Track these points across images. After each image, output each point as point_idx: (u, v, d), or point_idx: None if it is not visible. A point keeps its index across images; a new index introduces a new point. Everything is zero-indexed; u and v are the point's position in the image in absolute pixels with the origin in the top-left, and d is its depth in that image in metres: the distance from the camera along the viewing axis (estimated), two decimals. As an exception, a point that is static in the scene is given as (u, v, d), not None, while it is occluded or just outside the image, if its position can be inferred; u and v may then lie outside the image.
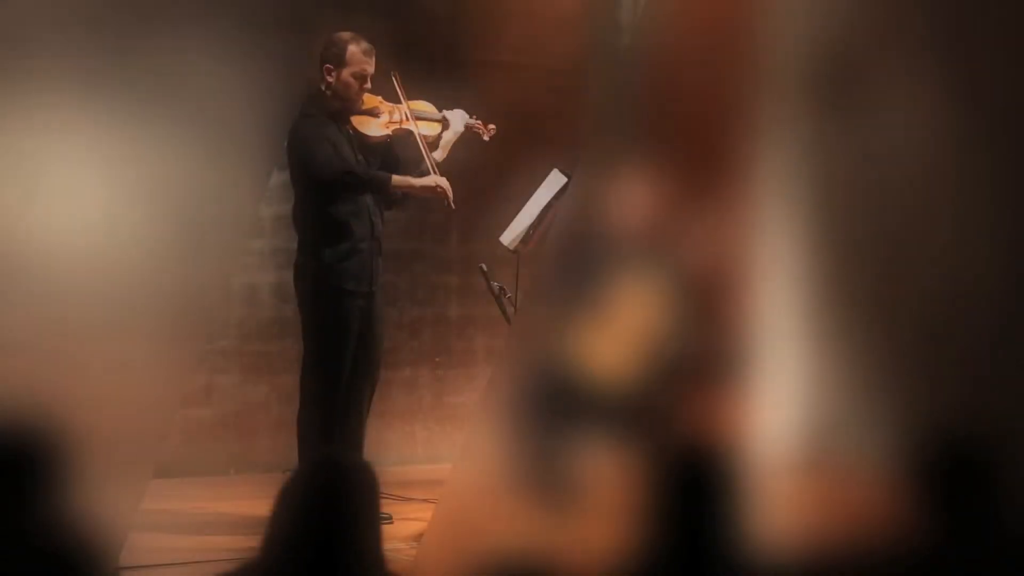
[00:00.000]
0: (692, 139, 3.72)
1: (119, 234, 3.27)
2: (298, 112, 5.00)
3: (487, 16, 6.77)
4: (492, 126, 5.29)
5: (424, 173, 5.13)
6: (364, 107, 5.08)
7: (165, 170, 3.30)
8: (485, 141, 5.35)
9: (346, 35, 5.03)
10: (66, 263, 3.20)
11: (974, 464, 3.51)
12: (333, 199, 4.98)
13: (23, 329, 3.14)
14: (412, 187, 5.06)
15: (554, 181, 5.13)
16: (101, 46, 3.23)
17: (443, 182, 5.06)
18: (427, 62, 6.43)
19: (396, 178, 5.04)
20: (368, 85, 5.03)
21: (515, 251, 5.20)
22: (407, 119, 5.12)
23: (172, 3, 3.31)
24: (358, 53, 4.98)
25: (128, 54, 3.24)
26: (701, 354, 3.60)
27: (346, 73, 4.99)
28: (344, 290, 5.00)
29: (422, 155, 5.12)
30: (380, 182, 5.03)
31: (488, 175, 6.64)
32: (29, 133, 3.17)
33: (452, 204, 5.09)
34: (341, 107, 5.03)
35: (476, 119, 5.30)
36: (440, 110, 5.22)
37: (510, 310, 5.07)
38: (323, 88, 5.02)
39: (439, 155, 5.18)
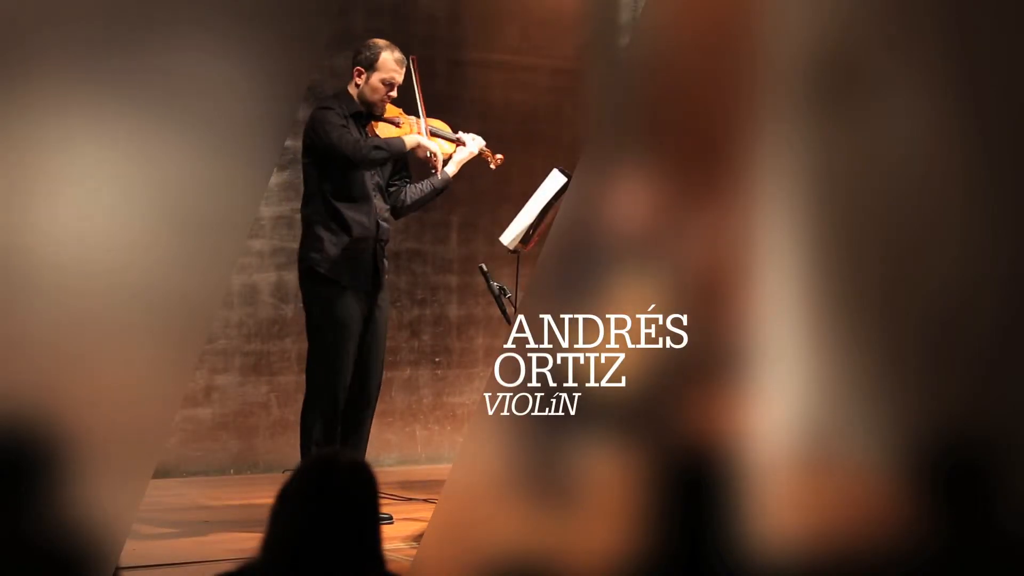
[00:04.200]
0: (692, 139, 3.72)
1: (119, 234, 3.27)
2: (319, 104, 5.08)
3: (487, 16, 6.77)
4: (500, 156, 5.32)
5: (440, 182, 5.24)
6: (386, 115, 5.14)
7: (164, 170, 3.29)
8: (491, 168, 5.38)
9: (382, 42, 5.10)
10: (65, 263, 3.20)
11: (975, 465, 3.51)
12: (348, 192, 5.03)
13: (23, 329, 3.14)
14: (418, 147, 5.12)
15: (554, 181, 5.13)
16: (100, 47, 3.22)
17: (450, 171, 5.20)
18: (427, 62, 6.43)
19: (407, 138, 5.10)
20: (394, 94, 5.10)
21: (515, 251, 5.20)
22: (424, 134, 5.17)
23: (171, 2, 3.31)
24: (391, 61, 5.05)
25: (127, 54, 3.24)
26: (702, 354, 3.60)
27: (375, 78, 5.05)
28: (344, 286, 5.02)
29: (435, 165, 5.19)
30: (402, 145, 5.09)
31: (488, 175, 6.65)
32: (29, 133, 3.16)
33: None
34: (365, 111, 5.08)
35: (487, 147, 5.33)
36: (456, 132, 5.26)
37: (510, 310, 5.07)
38: (349, 89, 5.07)
39: (451, 169, 5.23)
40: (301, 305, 6.05)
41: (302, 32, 3.52)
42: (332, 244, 5.01)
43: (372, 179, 5.10)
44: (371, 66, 5.04)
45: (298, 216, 5.22)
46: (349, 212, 5.03)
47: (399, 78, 5.07)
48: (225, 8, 3.37)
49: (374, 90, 5.06)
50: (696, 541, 3.44)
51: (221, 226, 3.38)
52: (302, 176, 5.15)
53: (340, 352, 5.02)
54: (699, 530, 3.44)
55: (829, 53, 3.63)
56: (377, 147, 5.03)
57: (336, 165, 5.01)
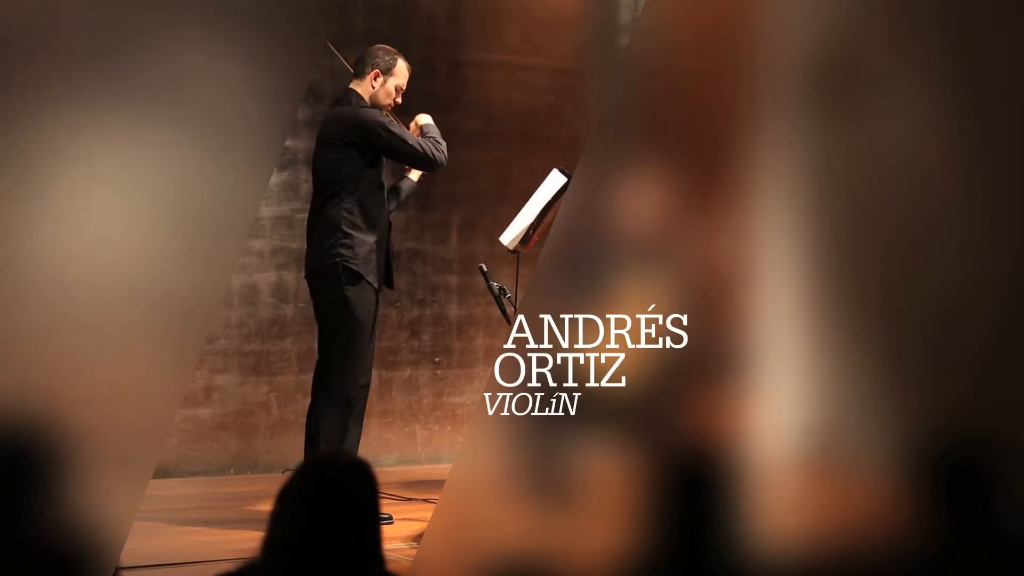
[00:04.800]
0: (693, 139, 3.72)
1: (119, 234, 3.27)
2: (356, 104, 5.13)
3: (487, 16, 6.77)
4: None
5: (408, 187, 5.45)
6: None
7: (165, 170, 3.29)
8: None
9: (392, 48, 5.25)
10: (65, 263, 3.20)
11: (975, 465, 3.51)
12: (376, 191, 5.12)
13: (23, 329, 3.14)
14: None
15: (554, 181, 5.14)
16: (100, 47, 3.22)
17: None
18: (427, 62, 6.43)
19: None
20: (400, 99, 5.22)
21: (515, 251, 5.21)
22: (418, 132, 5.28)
23: (172, 3, 3.31)
24: (404, 68, 5.21)
25: (127, 54, 3.24)
26: (702, 354, 3.60)
27: (391, 83, 5.20)
28: (370, 284, 5.07)
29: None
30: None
31: (488, 175, 6.66)
32: (29, 133, 3.16)
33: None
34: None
35: None
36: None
37: (510, 310, 5.07)
38: (358, 89, 5.16)
39: (415, 175, 5.44)
40: (301, 305, 6.07)
41: (302, 32, 3.52)
42: (360, 242, 5.06)
43: (384, 180, 5.18)
44: (388, 71, 5.19)
45: (298, 216, 5.24)
46: (376, 210, 5.11)
47: (405, 84, 5.23)
48: (225, 8, 3.37)
49: (388, 94, 5.19)
50: (696, 541, 3.44)
51: (221, 226, 3.38)
52: (320, 175, 5.16)
53: (362, 350, 5.07)
54: (699, 530, 3.44)
55: (829, 53, 3.63)
56: (442, 150, 5.23)
57: (412, 166, 5.25)
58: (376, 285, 5.11)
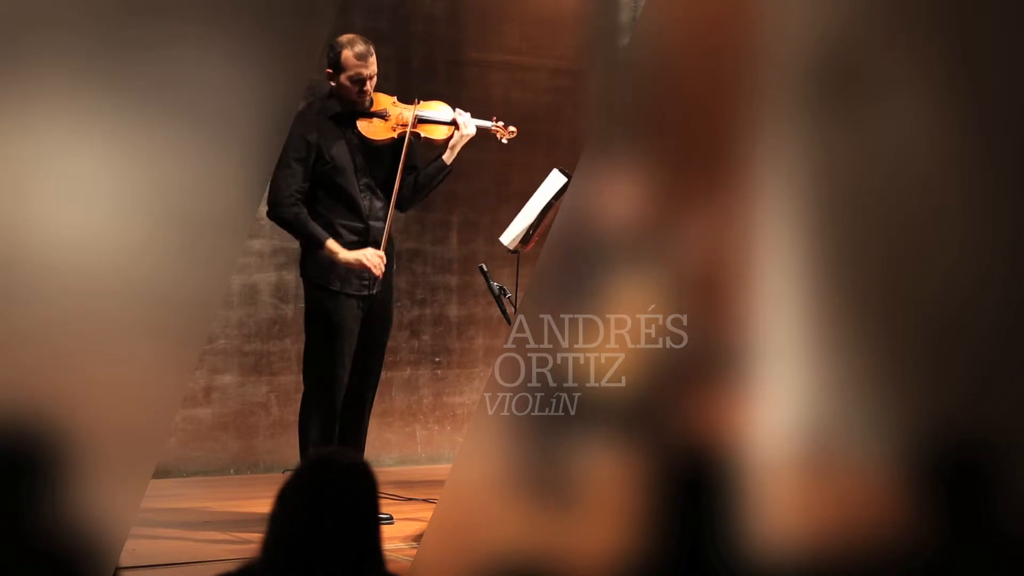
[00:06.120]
0: (693, 139, 3.72)
1: (118, 234, 3.26)
2: (302, 109, 5.04)
3: (487, 16, 6.77)
4: (513, 129, 5.27)
5: (435, 169, 5.19)
6: (374, 108, 5.07)
7: (164, 170, 3.29)
8: (502, 143, 5.32)
9: (344, 39, 5.00)
10: (65, 263, 3.20)
11: (975, 465, 3.51)
12: (336, 197, 5.02)
13: (23, 328, 3.14)
14: (336, 257, 4.98)
15: (554, 181, 5.13)
16: (100, 45, 3.22)
17: (372, 259, 4.99)
18: (427, 62, 6.43)
19: (329, 244, 4.97)
20: (368, 89, 5.01)
21: (515, 251, 5.21)
22: (410, 124, 5.09)
23: (172, 3, 3.31)
24: (351, 58, 4.95)
25: (126, 53, 3.24)
26: (702, 354, 3.59)
27: (343, 78, 4.99)
28: (334, 291, 5.01)
29: (399, 180, 5.08)
30: (316, 242, 5.00)
31: (488, 175, 6.66)
32: (27, 132, 3.16)
33: (375, 285, 5.03)
34: (348, 109, 5.04)
35: (497, 121, 5.27)
36: (453, 109, 5.19)
37: (510, 310, 5.07)
38: (331, 89, 5.05)
39: (447, 156, 5.20)
40: (301, 305, 6.08)
41: (302, 32, 3.51)
42: (324, 251, 4.99)
43: (360, 180, 5.06)
44: (336, 66, 4.97)
45: (298, 216, 5.21)
46: (337, 218, 5.02)
47: (367, 71, 4.96)
48: (225, 8, 3.37)
49: (345, 90, 4.99)
50: (696, 541, 3.44)
51: (221, 226, 3.38)
52: None
53: (334, 354, 5.02)
54: (699, 530, 3.44)
55: (829, 53, 3.62)
56: (292, 223, 4.97)
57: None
58: (351, 290, 5.01)
